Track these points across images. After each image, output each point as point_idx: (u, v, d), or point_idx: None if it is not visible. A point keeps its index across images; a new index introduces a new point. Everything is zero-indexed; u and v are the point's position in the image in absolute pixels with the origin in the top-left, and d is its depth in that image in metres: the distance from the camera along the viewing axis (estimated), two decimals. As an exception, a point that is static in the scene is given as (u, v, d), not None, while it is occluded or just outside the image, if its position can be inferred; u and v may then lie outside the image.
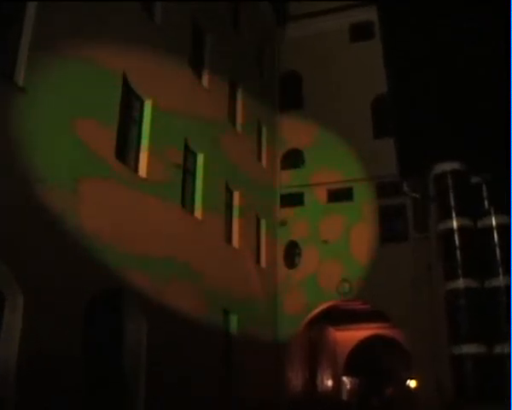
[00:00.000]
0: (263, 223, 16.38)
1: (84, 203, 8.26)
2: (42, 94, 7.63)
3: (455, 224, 5.82)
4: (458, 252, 5.74)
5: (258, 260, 15.72)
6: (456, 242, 5.78)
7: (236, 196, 14.59)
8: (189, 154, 12.23)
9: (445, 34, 4.33)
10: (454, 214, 5.84)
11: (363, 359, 25.64)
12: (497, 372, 5.15)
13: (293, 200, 17.47)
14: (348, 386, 26.07)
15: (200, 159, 12.63)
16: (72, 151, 8.15)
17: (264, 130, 17.41)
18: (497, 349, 5.29)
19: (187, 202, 11.89)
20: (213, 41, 13.87)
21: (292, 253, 17.33)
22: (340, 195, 16.96)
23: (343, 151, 17.06)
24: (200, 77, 13.14)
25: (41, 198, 7.44)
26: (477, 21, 4.06)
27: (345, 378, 25.25)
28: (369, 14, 16.72)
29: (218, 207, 13.20)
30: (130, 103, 10.16)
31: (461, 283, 5.64)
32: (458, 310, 5.62)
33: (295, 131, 17.96)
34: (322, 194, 17.13)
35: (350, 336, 23.79)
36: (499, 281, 5.55)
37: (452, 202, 5.90)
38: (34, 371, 6.92)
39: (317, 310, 16.70)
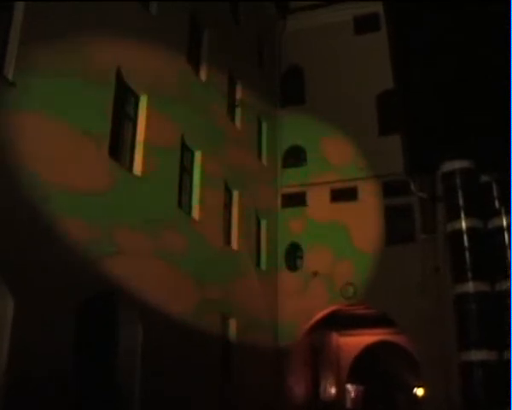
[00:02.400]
0: (263, 224, 16.38)
1: (77, 203, 8.26)
2: (32, 89, 7.63)
3: (464, 224, 5.79)
4: (467, 254, 5.72)
5: (258, 263, 15.72)
6: (466, 243, 5.75)
7: (236, 195, 14.60)
8: (186, 151, 12.23)
9: (455, 27, 4.33)
10: (463, 215, 5.82)
11: (367, 366, 25.62)
12: (509, 379, 5.15)
13: (295, 199, 17.48)
14: (352, 394, 26.06)
15: (198, 157, 12.63)
16: (63, 148, 8.15)
17: (264, 126, 17.41)
18: (508, 356, 5.29)
19: (184, 201, 11.89)
20: (212, 33, 13.87)
21: (293, 255, 17.34)
22: (344, 194, 16.96)
23: (347, 148, 17.07)
24: (197, 71, 13.14)
25: (32, 198, 7.43)
26: (489, 15, 4.07)
27: (349, 386, 25.23)
28: (375, 6, 16.71)
29: (217, 208, 13.20)
30: (124, 99, 10.17)
31: (470, 286, 5.62)
32: (468, 315, 5.60)
33: (297, 128, 17.97)
34: (325, 193, 17.13)
35: (354, 342, 23.77)
36: (511, 284, 5.55)
37: (461, 202, 5.87)
38: (25, 376, 6.92)
39: (319, 314, 16.70)
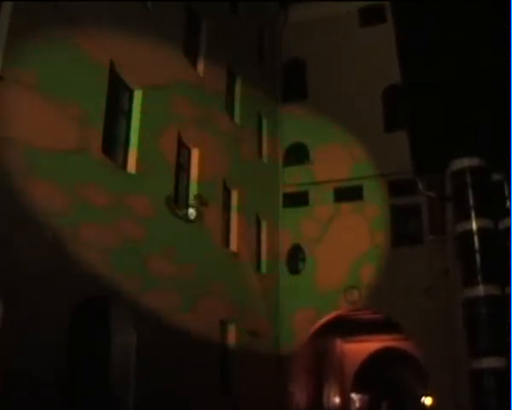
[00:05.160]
0: (264, 224, 16.38)
1: (67, 203, 8.26)
2: (21, 83, 7.63)
3: (474, 225, 5.79)
4: (478, 256, 5.72)
5: (258, 266, 15.72)
6: (476, 244, 5.75)
7: (235, 195, 14.59)
8: (183, 149, 12.23)
9: (464, 18, 4.35)
10: (473, 215, 5.82)
11: (373, 374, 25.63)
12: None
13: (297, 199, 17.48)
14: (357, 404, 26.08)
15: (195, 154, 12.63)
16: (53, 146, 8.15)
17: (264, 122, 17.40)
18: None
19: (180, 201, 11.89)
20: (210, 25, 13.86)
21: (295, 257, 17.34)
22: (348, 194, 16.97)
23: (351, 146, 17.07)
24: (195, 65, 13.14)
25: (21, 199, 7.43)
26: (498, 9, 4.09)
27: (353, 395, 25.24)
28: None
29: (215, 208, 13.19)
30: (118, 94, 10.17)
31: (481, 290, 5.62)
32: (478, 319, 5.60)
33: (299, 124, 17.97)
34: (328, 193, 17.13)
35: (359, 349, 23.79)
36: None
37: (471, 202, 5.87)
38: (14, 387, 6.91)
39: (322, 320, 16.70)
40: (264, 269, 16.02)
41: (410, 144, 6.76)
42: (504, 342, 5.44)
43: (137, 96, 10.54)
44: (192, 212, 11.59)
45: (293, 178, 17.66)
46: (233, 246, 14.16)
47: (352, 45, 18.08)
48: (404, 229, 16.58)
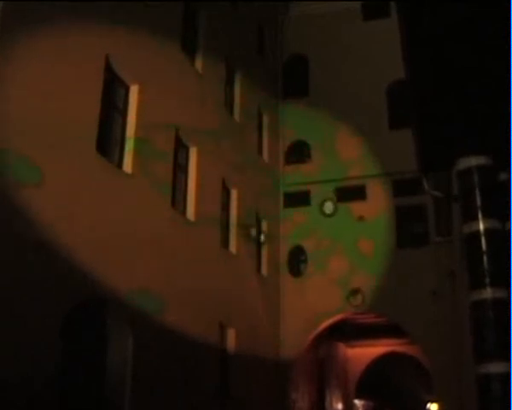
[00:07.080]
0: (264, 225, 16.39)
1: (60, 204, 8.25)
2: (15, 77, 7.64)
3: (481, 226, 5.78)
4: (485, 258, 5.71)
5: (258, 268, 15.72)
6: (483, 246, 5.74)
7: (234, 194, 14.60)
8: (181, 147, 12.24)
9: (471, 10, 4.35)
10: (480, 215, 5.81)
11: (377, 379, 25.63)
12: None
13: (299, 199, 17.49)
14: (361, 410, 26.09)
15: (193, 153, 12.64)
16: (47, 144, 8.15)
17: (265, 120, 17.42)
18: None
19: (178, 201, 11.90)
20: (208, 19, 13.87)
21: (297, 259, 17.34)
22: (351, 193, 16.97)
23: (354, 144, 17.07)
24: (192, 60, 13.14)
25: (11, 198, 7.43)
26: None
27: (357, 401, 25.24)
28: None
29: (214, 208, 13.20)
30: (113, 90, 10.16)
31: (488, 292, 5.61)
32: (485, 324, 5.60)
33: (301, 122, 17.98)
34: (330, 192, 17.13)
35: (362, 354, 23.80)
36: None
37: (478, 202, 5.86)
38: (8, 393, 6.91)
39: (325, 324, 16.72)
40: (264, 271, 16.03)
41: (415, 142, 6.76)
42: (512, 346, 5.44)
43: (133, 92, 10.52)
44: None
45: (294, 178, 17.67)
46: (232, 247, 14.16)
47: (355, 40, 18.08)
48: (409, 230, 16.57)
